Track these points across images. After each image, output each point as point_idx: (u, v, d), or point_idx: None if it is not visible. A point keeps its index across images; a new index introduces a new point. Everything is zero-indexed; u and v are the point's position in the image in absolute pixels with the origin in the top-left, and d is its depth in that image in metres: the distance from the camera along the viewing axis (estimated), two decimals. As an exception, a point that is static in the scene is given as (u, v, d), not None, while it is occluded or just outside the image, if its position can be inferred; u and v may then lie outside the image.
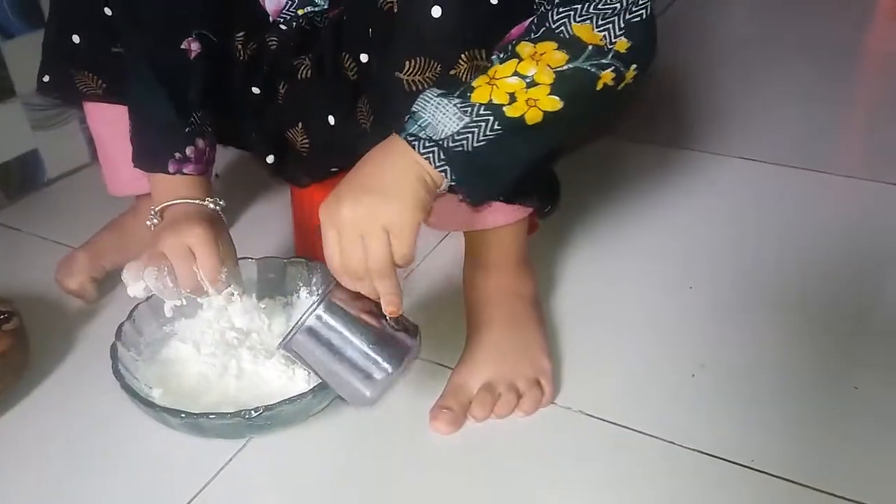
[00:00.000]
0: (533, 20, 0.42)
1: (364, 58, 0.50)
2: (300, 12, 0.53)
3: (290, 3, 0.53)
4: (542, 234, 0.68)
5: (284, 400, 0.46)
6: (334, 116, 0.53)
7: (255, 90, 0.56)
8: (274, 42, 0.54)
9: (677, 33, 1.20)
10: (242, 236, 0.57)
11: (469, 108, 0.41)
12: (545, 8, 0.42)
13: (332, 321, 0.44)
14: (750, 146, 0.85)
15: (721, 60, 1.10)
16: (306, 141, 0.56)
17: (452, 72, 0.42)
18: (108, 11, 0.54)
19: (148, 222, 0.52)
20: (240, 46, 0.55)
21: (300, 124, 0.56)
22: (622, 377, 0.55)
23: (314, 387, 0.47)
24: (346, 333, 0.44)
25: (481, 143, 0.41)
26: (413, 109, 0.42)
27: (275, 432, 0.49)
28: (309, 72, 0.54)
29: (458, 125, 0.41)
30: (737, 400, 0.52)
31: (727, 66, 1.09)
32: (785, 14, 1.31)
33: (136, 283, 0.49)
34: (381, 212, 0.40)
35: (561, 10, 0.41)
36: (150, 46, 0.51)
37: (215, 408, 0.47)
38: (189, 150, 0.51)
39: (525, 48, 0.41)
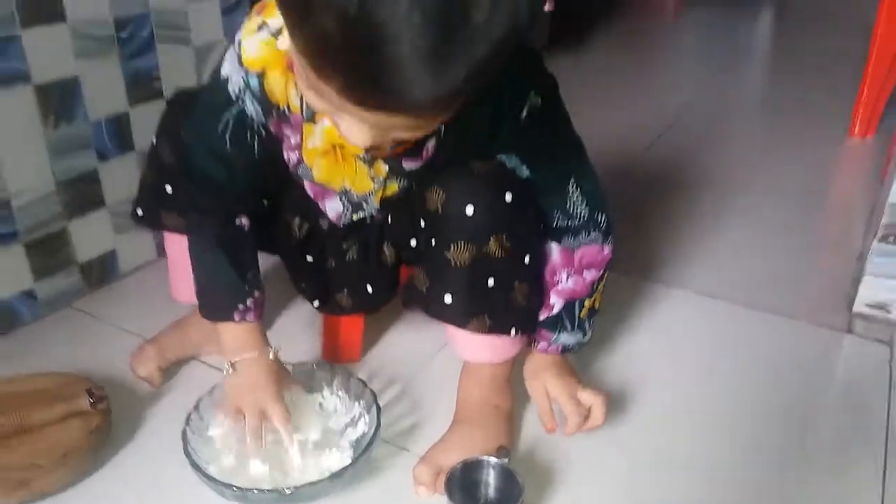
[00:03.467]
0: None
1: (413, 243, 0.68)
2: (354, 217, 0.70)
3: (347, 211, 0.70)
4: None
5: (308, 483, 0.61)
6: (372, 287, 0.71)
7: (309, 258, 0.74)
8: (325, 225, 0.72)
9: (655, 171, 1.39)
10: (277, 338, 0.72)
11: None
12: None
13: None
14: (709, 283, 1.00)
15: (693, 199, 1.28)
16: (349, 301, 0.74)
17: (486, 250, 0.61)
18: (168, 189, 0.71)
19: (224, 372, 0.67)
20: (296, 227, 0.73)
21: (345, 290, 0.73)
22: (566, 484, 0.69)
23: (331, 475, 0.62)
24: None
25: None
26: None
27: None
28: (355, 255, 0.72)
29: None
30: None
31: (699, 203, 1.26)
32: (754, 155, 1.50)
33: (217, 427, 0.65)
34: None
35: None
36: (211, 224, 0.67)
37: (256, 485, 0.62)
38: (249, 302, 0.67)
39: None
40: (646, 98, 1.88)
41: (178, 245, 0.76)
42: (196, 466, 0.62)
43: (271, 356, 0.68)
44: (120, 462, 0.70)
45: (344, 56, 0.40)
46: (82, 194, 0.93)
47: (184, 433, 0.65)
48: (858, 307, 0.92)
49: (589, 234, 0.67)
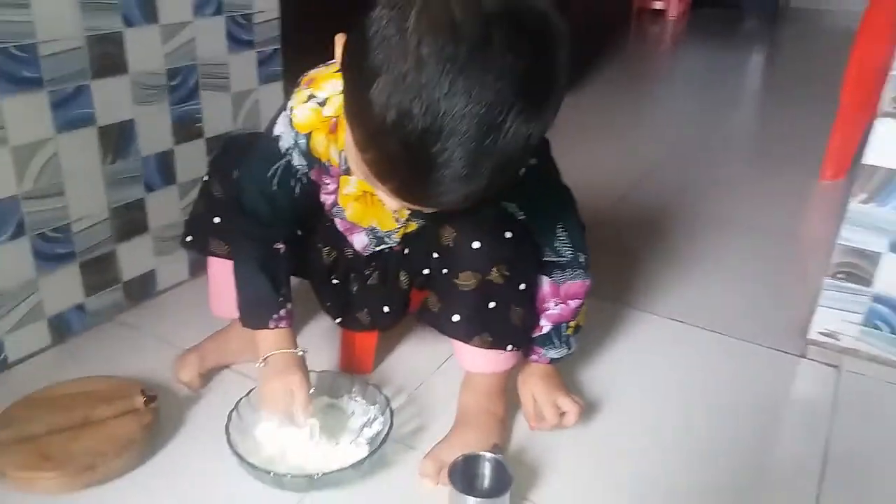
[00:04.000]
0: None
1: (426, 271, 0.80)
2: (377, 248, 0.84)
3: (371, 244, 0.83)
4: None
5: (334, 470, 0.72)
6: (388, 308, 0.84)
7: (335, 280, 0.86)
8: (350, 253, 0.85)
9: (638, 208, 1.52)
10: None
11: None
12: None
13: None
14: (680, 310, 1.12)
15: (671, 234, 1.41)
16: (368, 319, 0.87)
17: (488, 278, 0.73)
18: (216, 220, 0.83)
19: (257, 365, 0.79)
20: (325, 254, 0.86)
21: (365, 310, 0.86)
22: (549, 476, 0.80)
23: (352, 465, 0.73)
24: None
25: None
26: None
27: (324, 491, 0.75)
28: (376, 280, 0.84)
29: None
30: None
31: (676, 238, 1.39)
32: (732, 194, 1.63)
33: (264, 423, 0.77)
34: None
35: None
36: (256, 250, 0.79)
37: (292, 471, 0.74)
38: (283, 312, 0.79)
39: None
40: (634, 137, 2.02)
41: (219, 268, 0.88)
42: (239, 456, 0.73)
43: (299, 354, 0.79)
44: (168, 453, 0.81)
45: (400, 172, 0.54)
46: (130, 221, 1.06)
47: (226, 429, 0.76)
48: (812, 334, 1.04)
49: (574, 272, 0.81)
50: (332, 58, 0.62)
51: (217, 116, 1.13)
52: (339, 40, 0.59)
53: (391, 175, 0.55)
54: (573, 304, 0.83)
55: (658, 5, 3.98)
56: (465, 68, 0.48)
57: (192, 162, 1.11)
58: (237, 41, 1.13)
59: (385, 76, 0.49)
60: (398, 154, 0.52)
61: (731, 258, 1.31)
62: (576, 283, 0.82)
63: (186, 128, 1.09)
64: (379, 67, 0.50)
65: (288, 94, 1.19)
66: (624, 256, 1.29)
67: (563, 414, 0.82)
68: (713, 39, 3.59)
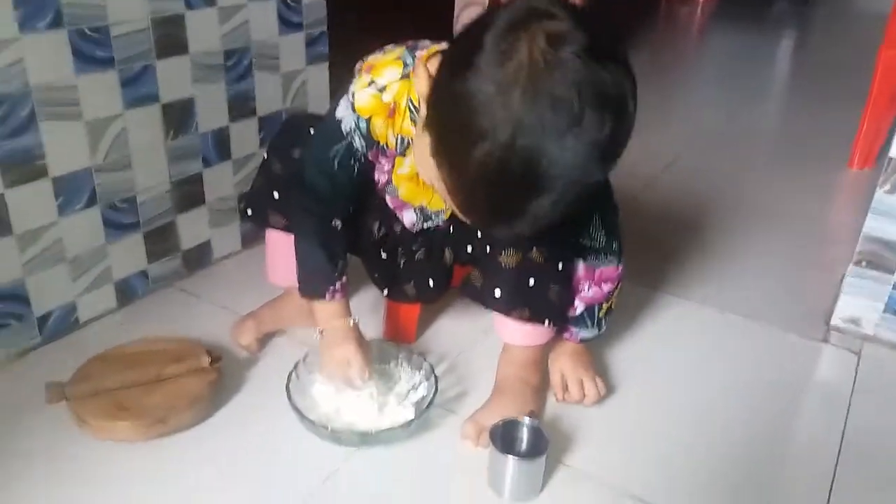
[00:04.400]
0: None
1: (469, 248, 0.86)
2: (425, 226, 0.89)
3: (419, 221, 0.89)
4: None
5: (386, 429, 0.79)
6: (433, 281, 0.90)
7: (384, 255, 0.92)
8: (399, 229, 0.91)
9: (668, 193, 1.56)
10: None
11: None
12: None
13: None
14: (708, 294, 1.17)
15: (700, 219, 1.45)
16: (414, 291, 0.93)
17: (529, 257, 0.80)
18: (275, 195, 0.89)
19: (314, 336, 0.86)
20: (375, 230, 0.91)
21: (412, 282, 0.92)
22: (581, 442, 0.87)
23: (401, 424, 0.80)
24: None
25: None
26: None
27: (375, 447, 0.82)
28: (422, 255, 0.90)
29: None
30: None
31: (705, 224, 1.43)
32: (760, 181, 1.66)
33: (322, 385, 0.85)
34: None
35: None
36: (315, 225, 0.84)
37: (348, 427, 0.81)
38: (338, 285, 0.85)
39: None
40: (665, 122, 2.05)
41: (277, 240, 0.94)
42: (299, 412, 0.80)
43: (352, 324, 0.86)
44: (231, 409, 0.88)
45: (484, 216, 0.63)
46: (188, 193, 1.12)
47: (287, 388, 0.83)
48: (835, 321, 1.08)
49: (607, 258, 0.87)
50: (377, 41, 0.71)
51: (268, 96, 1.19)
52: (423, 67, 0.64)
53: (474, 214, 0.63)
54: (606, 287, 0.88)
55: (689, -14, 3.95)
56: (562, 137, 0.54)
57: (246, 139, 1.18)
58: (287, 23, 1.18)
59: (487, 142, 0.55)
60: (487, 205, 0.60)
61: (758, 244, 1.35)
62: (609, 268, 0.87)
63: (241, 106, 1.15)
64: (481, 130, 0.55)
65: (334, 74, 1.26)
66: (651, 241, 1.33)
67: (585, 394, 0.89)
68: (743, 23, 3.56)
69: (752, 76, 2.60)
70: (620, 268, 0.88)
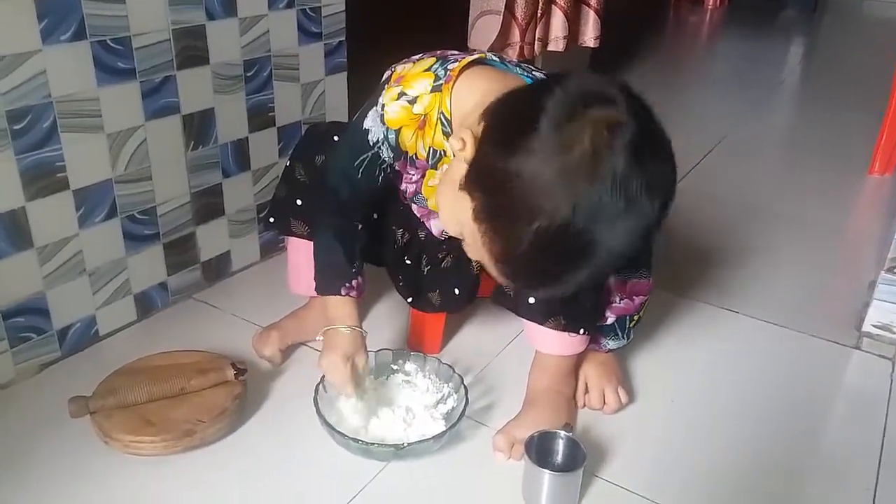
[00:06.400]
0: None
1: None
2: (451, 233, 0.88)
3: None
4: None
5: (417, 441, 0.77)
6: (459, 290, 0.89)
7: (408, 261, 0.91)
8: (423, 236, 0.89)
9: (689, 201, 1.54)
10: (374, 328, 0.89)
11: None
12: None
13: None
14: (735, 301, 1.15)
15: (724, 226, 1.43)
16: (439, 300, 0.91)
17: None
18: (298, 202, 0.89)
19: (318, 337, 0.85)
20: (399, 236, 0.90)
21: (437, 290, 0.90)
22: (618, 454, 0.85)
23: (433, 436, 0.78)
24: None
25: None
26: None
27: (406, 460, 0.80)
28: (449, 263, 0.89)
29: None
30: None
31: (729, 230, 1.41)
32: (781, 187, 1.64)
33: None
34: None
35: None
36: (334, 223, 0.84)
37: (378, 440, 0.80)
38: (353, 283, 0.83)
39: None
40: (681, 130, 2.03)
41: (299, 248, 0.93)
42: (329, 426, 0.79)
43: (355, 332, 0.83)
44: (257, 422, 0.87)
45: (523, 283, 0.68)
46: (208, 204, 1.11)
47: (315, 401, 0.82)
48: (866, 327, 1.06)
49: (638, 271, 0.86)
50: (393, 50, 0.72)
51: (287, 106, 1.18)
52: (470, 134, 0.64)
53: (511, 278, 0.64)
54: (637, 300, 0.88)
55: (697, -6, 3.95)
56: (616, 220, 0.57)
57: (265, 149, 1.17)
58: (307, 33, 1.18)
59: (545, 220, 0.57)
60: (529, 273, 0.63)
61: (782, 250, 1.33)
62: (641, 281, 0.87)
63: (260, 116, 1.14)
64: (539, 209, 0.57)
65: (351, 84, 1.25)
66: (676, 247, 1.32)
67: (606, 402, 0.88)
68: (751, 30, 3.55)
69: (763, 83, 2.59)
70: (651, 281, 0.88)
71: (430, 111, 0.74)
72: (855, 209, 1.58)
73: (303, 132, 1.16)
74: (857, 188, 1.65)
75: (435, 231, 0.88)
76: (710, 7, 3.91)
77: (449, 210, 0.69)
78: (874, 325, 1.06)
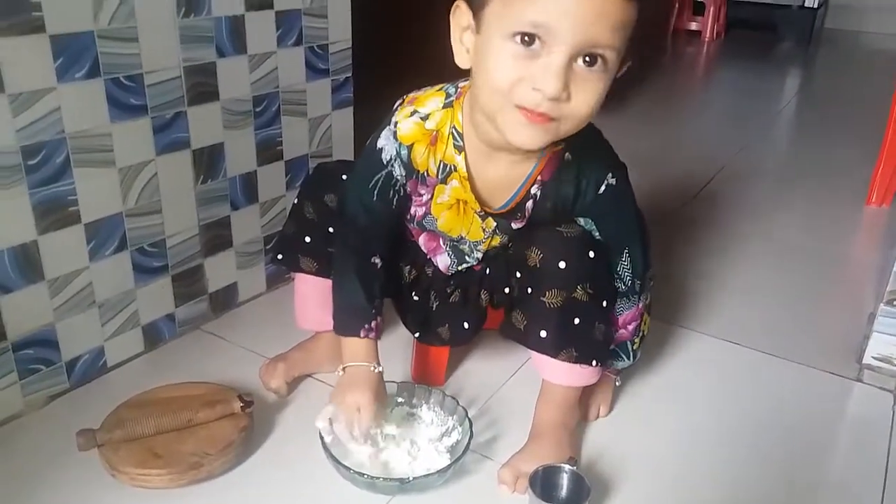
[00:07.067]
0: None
1: (507, 289, 0.87)
2: (460, 268, 0.90)
3: (454, 263, 0.90)
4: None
5: (422, 475, 0.78)
6: (468, 324, 0.90)
7: (416, 297, 0.92)
8: (431, 272, 0.91)
9: (687, 228, 1.56)
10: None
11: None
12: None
13: None
14: (732, 330, 1.16)
15: (721, 254, 1.45)
16: (448, 334, 0.92)
17: (573, 296, 0.79)
18: (331, 229, 0.90)
19: (336, 372, 0.85)
20: (406, 273, 0.92)
21: (447, 325, 0.92)
22: (621, 488, 0.85)
23: (438, 470, 0.79)
24: None
25: None
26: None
27: (411, 494, 0.81)
28: (458, 297, 0.90)
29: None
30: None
31: (727, 258, 1.43)
32: (779, 217, 1.66)
33: (323, 420, 0.82)
34: None
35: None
36: (354, 261, 0.85)
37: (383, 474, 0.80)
38: (373, 324, 0.85)
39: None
40: (682, 160, 2.06)
41: (306, 283, 0.95)
42: (335, 459, 0.79)
43: (376, 371, 0.84)
44: (263, 455, 0.87)
45: None
46: (216, 237, 1.13)
47: (321, 437, 0.82)
48: (867, 359, 1.07)
49: (630, 300, 0.87)
50: (398, 86, 0.73)
51: (295, 140, 1.21)
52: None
53: None
54: (630, 327, 0.89)
55: (694, 26, 4.02)
56: None
57: (273, 182, 1.19)
58: (314, 69, 1.21)
59: None
60: None
61: (780, 280, 1.35)
62: (632, 311, 0.88)
63: (268, 151, 1.17)
64: None
65: (357, 119, 1.28)
66: (672, 277, 1.33)
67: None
68: (749, 61, 3.61)
69: (760, 114, 2.63)
70: (641, 305, 0.88)
71: (443, 126, 0.77)
72: (853, 240, 1.60)
73: (310, 169, 1.19)
74: (855, 219, 1.67)
75: (442, 266, 0.90)
76: (707, 40, 3.98)
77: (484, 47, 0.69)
78: (874, 357, 1.07)
